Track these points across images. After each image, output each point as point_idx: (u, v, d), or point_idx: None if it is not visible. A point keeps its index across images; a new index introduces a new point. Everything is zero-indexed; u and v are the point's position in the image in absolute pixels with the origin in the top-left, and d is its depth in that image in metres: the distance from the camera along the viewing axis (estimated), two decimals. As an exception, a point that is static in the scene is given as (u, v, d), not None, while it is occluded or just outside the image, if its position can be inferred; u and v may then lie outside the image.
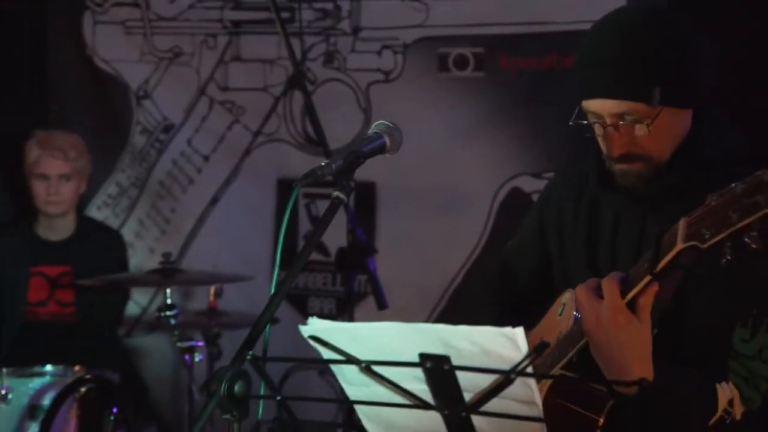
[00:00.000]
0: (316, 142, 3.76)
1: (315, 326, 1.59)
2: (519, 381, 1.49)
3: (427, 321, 3.69)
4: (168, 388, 4.26)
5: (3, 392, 3.19)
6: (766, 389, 1.83)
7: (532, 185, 3.73)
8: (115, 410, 3.13)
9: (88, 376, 3.23)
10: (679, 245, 1.61)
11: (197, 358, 3.60)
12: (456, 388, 1.54)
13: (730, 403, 1.79)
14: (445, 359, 1.51)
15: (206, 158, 4.34)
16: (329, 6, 4.09)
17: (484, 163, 3.85)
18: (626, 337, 1.72)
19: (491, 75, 3.85)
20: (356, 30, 4.07)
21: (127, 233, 4.37)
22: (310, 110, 3.58)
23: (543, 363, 1.89)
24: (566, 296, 1.96)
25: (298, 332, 1.60)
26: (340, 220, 3.29)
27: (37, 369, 3.28)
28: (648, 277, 1.69)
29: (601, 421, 1.77)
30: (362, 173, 1.87)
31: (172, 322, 3.53)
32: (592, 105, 1.92)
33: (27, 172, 3.96)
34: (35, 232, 4.00)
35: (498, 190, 3.83)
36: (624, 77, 1.88)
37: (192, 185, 4.36)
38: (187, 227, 4.35)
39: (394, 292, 3.50)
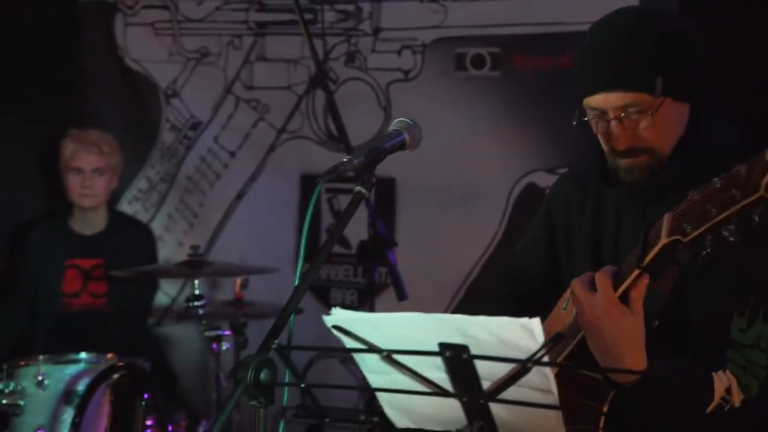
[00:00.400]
0: (337, 139, 3.75)
1: (338, 316, 1.59)
2: (535, 370, 1.48)
3: (445, 312, 3.69)
4: (196, 376, 4.27)
5: (40, 378, 3.20)
6: (764, 377, 1.82)
7: (546, 181, 3.72)
8: (146, 396, 3.14)
9: (120, 364, 3.24)
10: (663, 240, 1.63)
11: (224, 346, 3.60)
12: (474, 377, 1.54)
13: (728, 390, 1.78)
14: (463, 348, 1.51)
15: (232, 154, 4.34)
16: (351, 8, 4.08)
17: (501, 159, 3.84)
18: (619, 329, 1.72)
19: (507, 74, 3.83)
20: (376, 31, 4.06)
21: (157, 227, 4.38)
22: (332, 108, 3.57)
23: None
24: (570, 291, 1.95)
25: (321, 322, 1.61)
26: (361, 214, 3.27)
27: (72, 356, 3.29)
28: (636, 271, 1.70)
29: (605, 408, 1.77)
30: (382, 169, 1.86)
31: (200, 312, 3.53)
32: (595, 101, 1.91)
33: (62, 167, 3.98)
34: (69, 226, 4.02)
35: (514, 185, 3.81)
36: (626, 69, 1.87)
37: (219, 180, 4.37)
38: (214, 221, 4.35)
39: (414, 283, 3.48)
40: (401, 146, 1.91)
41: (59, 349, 3.39)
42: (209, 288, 4.08)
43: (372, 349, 1.59)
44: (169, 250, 4.37)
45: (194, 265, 3.56)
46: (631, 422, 1.80)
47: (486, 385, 1.55)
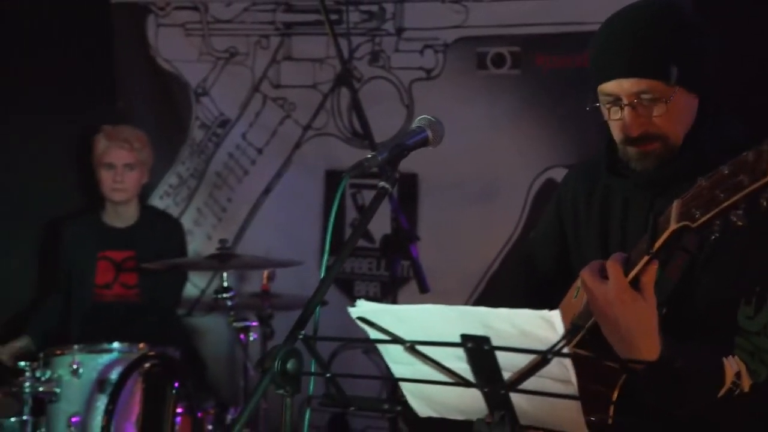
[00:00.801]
0: (362, 135, 3.75)
1: (363, 308, 1.59)
2: (556, 361, 1.47)
3: (466, 304, 3.67)
4: (225, 365, 4.28)
5: (74, 367, 3.23)
6: None
7: (565, 176, 3.70)
8: (176, 385, 3.15)
9: (151, 353, 3.25)
10: (672, 225, 1.63)
11: (252, 337, 3.61)
12: (495, 367, 1.53)
13: (738, 375, 1.77)
14: (485, 340, 1.51)
15: (260, 151, 4.35)
16: (375, 8, 4.07)
17: (520, 155, 3.82)
18: (632, 315, 1.70)
19: (527, 72, 3.82)
20: (400, 31, 4.05)
21: (187, 221, 4.39)
22: (356, 106, 3.58)
23: None
24: (580, 281, 1.94)
25: (345, 314, 1.60)
26: (385, 208, 3.28)
27: (105, 346, 3.31)
28: (646, 257, 1.69)
29: (614, 396, 1.75)
30: (405, 165, 1.86)
31: (229, 303, 3.54)
32: (610, 87, 1.89)
33: (95, 162, 4.00)
34: (102, 220, 4.04)
35: (533, 181, 3.80)
36: (642, 56, 1.86)
37: (246, 176, 4.38)
38: (242, 215, 4.36)
39: (435, 276, 3.49)
40: (424, 143, 1.90)
41: (92, 339, 3.41)
42: (237, 280, 4.09)
43: (395, 340, 1.58)
44: (199, 243, 4.39)
45: (223, 258, 3.57)
46: (641, 409, 1.79)
47: (507, 375, 1.54)
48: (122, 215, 4.03)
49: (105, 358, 3.27)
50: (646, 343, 1.71)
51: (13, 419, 3.24)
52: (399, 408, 1.74)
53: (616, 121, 1.91)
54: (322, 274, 1.72)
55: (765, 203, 1.52)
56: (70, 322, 3.96)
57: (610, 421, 1.66)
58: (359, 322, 1.61)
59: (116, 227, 4.02)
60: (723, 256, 1.81)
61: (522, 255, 2.30)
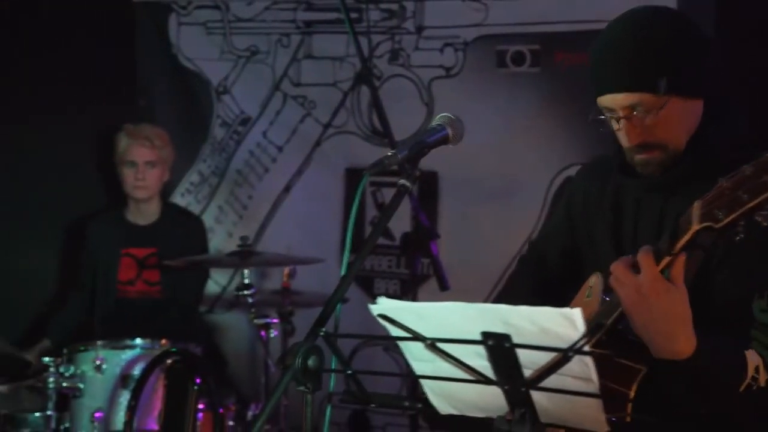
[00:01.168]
0: (382, 133, 3.75)
1: (384, 305, 1.59)
2: (576, 359, 1.47)
3: (486, 301, 3.67)
4: (246, 362, 4.29)
5: (98, 363, 3.25)
6: None
7: (585, 174, 3.68)
8: (198, 381, 3.16)
9: (173, 349, 3.26)
10: (695, 226, 1.62)
11: (272, 334, 3.61)
12: (516, 365, 1.53)
13: (757, 369, 1.76)
14: (505, 337, 1.50)
15: (280, 149, 4.36)
16: (395, 7, 4.07)
17: (540, 153, 3.81)
18: (668, 305, 1.68)
19: (547, 70, 3.80)
20: (420, 29, 4.04)
21: (208, 218, 4.41)
22: (376, 104, 3.57)
23: None
24: (593, 279, 1.94)
25: (365, 311, 1.60)
26: (405, 206, 3.28)
27: (128, 342, 3.33)
28: (667, 258, 1.68)
29: (632, 394, 1.74)
30: (425, 163, 1.85)
31: (250, 300, 3.55)
32: (605, 100, 1.91)
33: (117, 160, 4.02)
34: (125, 217, 4.06)
35: (553, 179, 3.78)
36: (631, 70, 1.87)
37: (267, 174, 4.39)
38: (262, 213, 4.37)
39: (455, 274, 3.48)
40: (444, 141, 1.90)
41: (115, 335, 3.43)
42: (258, 277, 4.10)
43: (416, 337, 1.58)
44: (220, 240, 4.40)
45: (244, 256, 3.58)
46: (659, 407, 1.78)
47: (527, 373, 1.53)
48: (144, 212, 4.05)
49: (128, 354, 3.29)
50: (683, 334, 1.69)
51: (37, 414, 3.27)
52: (419, 405, 1.74)
53: (618, 131, 1.93)
54: (343, 272, 1.72)
55: None
56: (93, 318, 3.98)
57: (628, 419, 1.65)
58: (380, 320, 1.61)
59: (139, 224, 4.04)
60: (738, 252, 1.80)
61: (529, 256, 2.29)
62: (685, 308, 1.69)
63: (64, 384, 3.23)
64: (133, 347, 3.31)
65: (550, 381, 1.51)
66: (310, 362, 1.59)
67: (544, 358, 1.50)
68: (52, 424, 3.24)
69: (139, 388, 3.14)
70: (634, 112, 1.87)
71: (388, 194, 4.06)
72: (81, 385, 3.24)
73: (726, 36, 3.25)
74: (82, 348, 3.29)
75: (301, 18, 4.26)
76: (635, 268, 1.72)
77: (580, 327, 1.44)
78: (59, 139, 4.14)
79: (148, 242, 4.00)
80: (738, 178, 1.57)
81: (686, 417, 1.80)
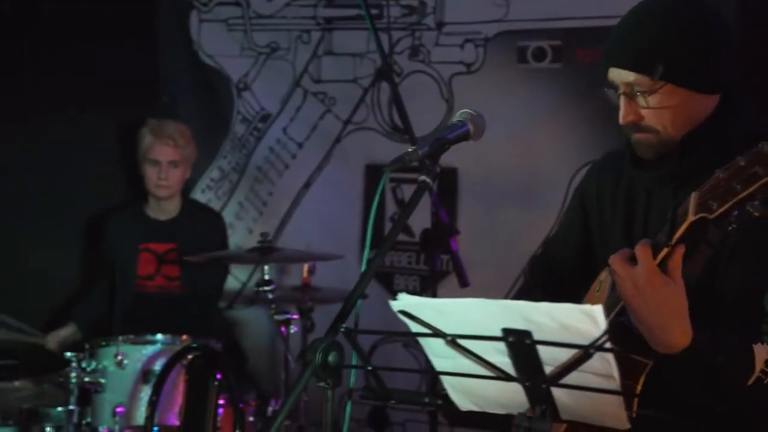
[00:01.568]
0: (402, 130, 3.75)
1: (404, 301, 1.58)
2: (598, 355, 1.46)
3: (505, 298, 3.65)
4: (266, 357, 4.30)
5: (119, 358, 3.26)
6: None
7: (606, 171, 3.66)
8: (218, 376, 3.17)
9: (194, 345, 3.28)
10: (690, 217, 1.64)
11: (292, 329, 3.62)
12: (536, 362, 1.52)
13: (766, 363, 1.74)
14: (526, 334, 1.50)
15: (300, 145, 4.36)
16: (415, 3, 4.06)
17: (561, 149, 3.79)
18: (663, 298, 1.68)
19: (568, 66, 3.79)
20: (440, 25, 4.04)
21: (228, 215, 4.42)
22: (396, 100, 3.57)
23: None
24: (603, 274, 1.94)
25: (384, 307, 1.60)
26: (424, 203, 3.27)
27: (149, 337, 3.34)
28: (666, 250, 1.68)
29: (639, 388, 1.73)
30: (444, 159, 1.85)
31: (270, 296, 3.56)
32: (610, 74, 1.93)
33: (140, 157, 4.03)
34: (145, 212, 4.07)
35: (574, 175, 3.75)
36: (630, 49, 1.88)
37: (287, 170, 4.40)
38: (282, 209, 4.38)
39: (475, 270, 3.48)
40: (465, 137, 1.89)
41: (135, 330, 3.44)
42: (278, 273, 4.11)
43: (437, 333, 1.58)
44: (240, 236, 4.41)
45: (264, 252, 3.59)
46: (665, 403, 1.77)
47: (548, 369, 1.53)
48: (165, 208, 4.06)
49: (149, 350, 3.31)
50: (678, 327, 1.69)
51: (59, 409, 3.29)
52: (440, 401, 1.74)
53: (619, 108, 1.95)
54: (363, 268, 1.72)
55: None
56: (113, 312, 4.00)
57: (634, 414, 1.64)
58: (400, 316, 1.60)
59: (159, 220, 4.06)
60: (747, 247, 1.80)
61: (543, 249, 2.29)
62: (681, 301, 1.69)
63: (86, 379, 3.24)
64: (154, 343, 3.32)
65: (571, 378, 1.51)
66: (331, 358, 1.59)
67: (565, 354, 1.50)
68: (74, 419, 3.26)
69: (160, 384, 3.15)
70: (633, 91, 1.88)
71: (407, 190, 4.06)
72: (102, 380, 3.25)
73: (747, 26, 3.22)
74: (104, 343, 3.31)
75: (322, 14, 4.27)
76: (633, 260, 1.71)
77: (601, 323, 1.44)
78: (82, 135, 4.16)
79: (167, 237, 4.01)
80: (732, 169, 1.59)
81: (694, 411, 1.79)
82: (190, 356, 3.22)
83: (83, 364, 3.25)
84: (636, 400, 1.69)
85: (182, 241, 3.99)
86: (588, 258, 2.11)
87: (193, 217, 4.10)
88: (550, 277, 2.20)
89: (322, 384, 1.61)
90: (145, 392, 3.22)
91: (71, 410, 3.25)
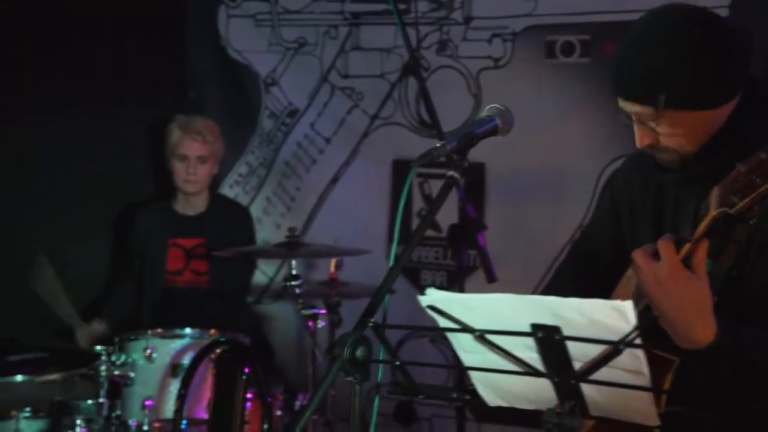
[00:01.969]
0: (429, 125, 3.74)
1: (433, 296, 1.59)
2: (627, 351, 1.46)
3: (533, 293, 3.64)
4: (293, 352, 4.32)
5: (148, 352, 3.28)
6: None
7: (635, 166, 3.63)
8: (246, 370, 3.18)
9: (222, 339, 3.29)
10: (712, 212, 1.64)
11: (320, 324, 3.63)
12: (566, 357, 1.52)
13: None
14: (555, 329, 1.49)
15: (328, 140, 4.37)
16: (442, -3, 4.06)
17: (589, 144, 3.77)
18: (686, 294, 1.67)
19: (596, 61, 3.76)
20: (468, 20, 4.02)
21: (256, 209, 4.44)
22: (424, 95, 3.56)
23: None
24: (630, 271, 1.93)
25: (412, 302, 1.60)
26: (452, 198, 3.26)
27: (178, 331, 3.36)
28: (688, 245, 1.68)
29: (667, 385, 1.72)
30: (472, 154, 1.85)
31: (297, 291, 3.56)
32: (619, 102, 1.93)
33: (168, 152, 4.05)
34: (173, 207, 4.10)
35: (602, 170, 3.73)
36: (634, 81, 1.87)
37: (315, 165, 4.40)
38: (310, 204, 4.39)
39: (503, 265, 3.46)
40: (493, 132, 1.89)
41: (164, 324, 3.47)
42: (305, 268, 4.12)
43: (465, 328, 1.58)
44: (268, 231, 4.43)
45: (291, 247, 3.60)
46: (696, 400, 1.75)
47: (577, 365, 1.52)
48: (193, 204, 4.08)
49: (177, 344, 3.33)
50: (701, 322, 1.67)
51: (89, 401, 3.32)
52: (467, 396, 1.74)
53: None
54: (391, 263, 1.72)
55: None
56: (142, 307, 4.03)
57: (661, 410, 1.62)
58: (429, 311, 1.60)
59: (186, 215, 4.08)
60: None
61: (574, 245, 2.28)
62: (704, 297, 1.67)
63: (116, 372, 3.27)
64: (182, 337, 3.34)
65: (601, 374, 1.50)
66: (359, 353, 1.60)
67: (595, 350, 1.49)
68: (104, 412, 3.28)
69: (188, 377, 3.17)
70: (643, 119, 1.88)
71: (435, 186, 4.05)
72: (132, 374, 3.28)
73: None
74: (133, 337, 3.34)
75: (349, 9, 4.26)
76: (657, 256, 1.70)
77: (632, 319, 1.43)
78: (111, 130, 4.18)
79: (195, 233, 4.03)
80: (753, 163, 1.59)
81: (727, 408, 1.77)
82: (218, 350, 3.24)
83: (113, 358, 3.27)
84: (664, 396, 1.68)
85: (210, 236, 4.01)
86: (619, 254, 2.10)
87: (221, 212, 4.12)
88: (583, 271, 2.19)
89: (349, 378, 1.62)
90: (174, 386, 3.24)
91: (101, 403, 3.28)
